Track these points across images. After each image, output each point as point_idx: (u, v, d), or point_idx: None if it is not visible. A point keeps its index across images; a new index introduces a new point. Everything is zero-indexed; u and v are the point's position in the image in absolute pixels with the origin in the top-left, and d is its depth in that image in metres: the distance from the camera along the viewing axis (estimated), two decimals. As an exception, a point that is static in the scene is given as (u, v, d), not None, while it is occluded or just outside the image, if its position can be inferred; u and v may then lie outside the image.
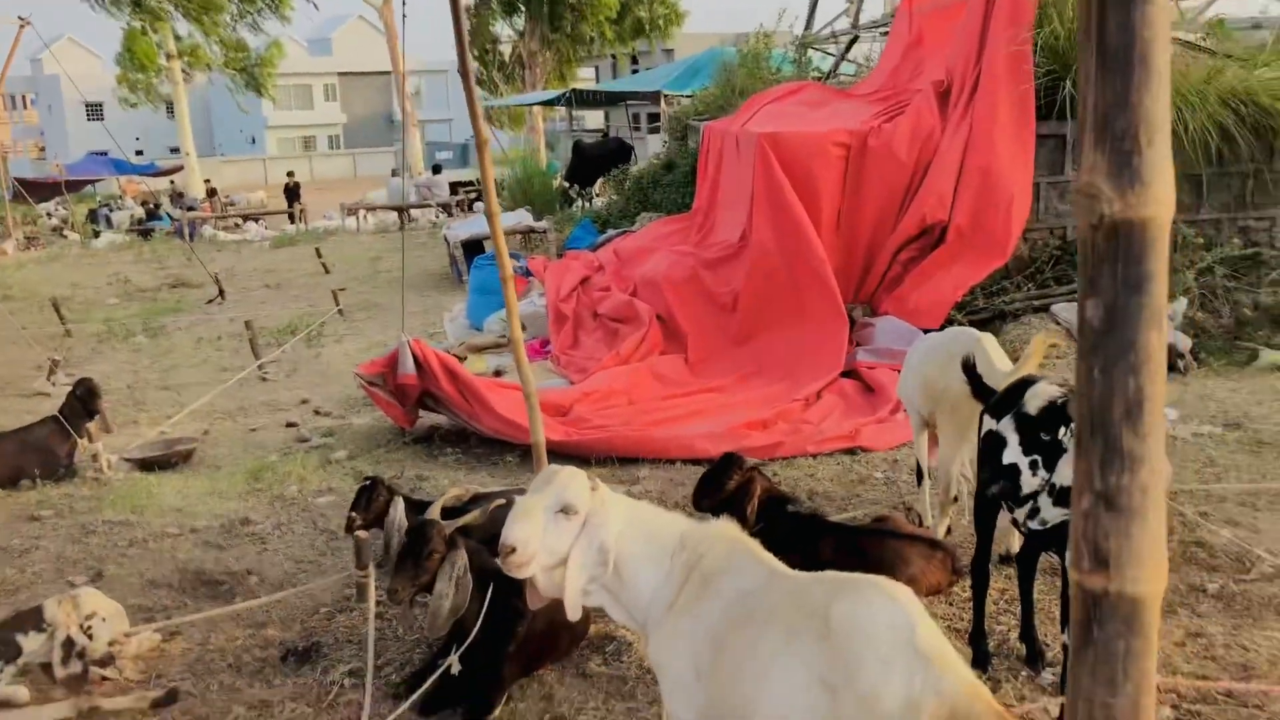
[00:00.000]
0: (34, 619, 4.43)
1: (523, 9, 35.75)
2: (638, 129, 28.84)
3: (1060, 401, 3.88)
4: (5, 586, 5.56)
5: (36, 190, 30.39)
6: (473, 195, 26.39)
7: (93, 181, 34.92)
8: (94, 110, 54.74)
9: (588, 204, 21.30)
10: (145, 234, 25.85)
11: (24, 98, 64.69)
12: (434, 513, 4.27)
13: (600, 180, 21.81)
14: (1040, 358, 4.64)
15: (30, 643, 4.38)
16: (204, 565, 5.76)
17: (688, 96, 20.22)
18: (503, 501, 4.27)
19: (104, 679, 4.44)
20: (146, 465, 7.67)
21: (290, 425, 8.70)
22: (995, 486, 4.06)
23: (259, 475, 7.24)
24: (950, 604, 4.79)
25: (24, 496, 7.06)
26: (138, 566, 5.77)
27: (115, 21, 34.65)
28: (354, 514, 5.29)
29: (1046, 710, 3.88)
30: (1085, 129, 1.39)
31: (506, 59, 38.22)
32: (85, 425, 7.53)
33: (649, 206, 15.42)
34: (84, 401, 7.54)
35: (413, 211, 25.53)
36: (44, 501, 6.95)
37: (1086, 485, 1.42)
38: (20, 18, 26.39)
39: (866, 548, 4.66)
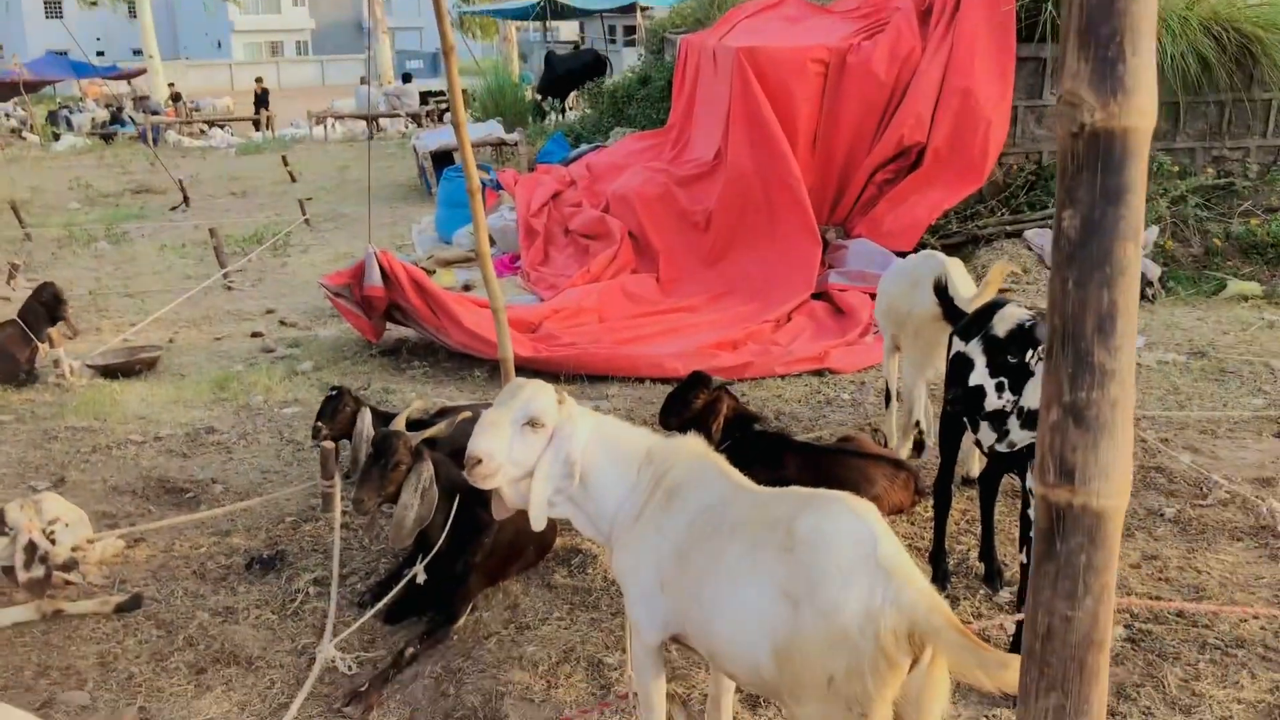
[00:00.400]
0: (-5, 523, 4.40)
1: (498, -87, 34.67)
2: (613, 41, 28.31)
3: (1028, 324, 3.89)
4: (-35, 491, 5.52)
5: (-7, 89, 29.46)
6: (443, 105, 25.84)
7: (52, 83, 33.88)
8: (53, 8, 52.94)
9: (560, 117, 20.95)
10: (107, 138, 25.25)
11: (-21, -7, 62.44)
12: (399, 424, 4.25)
13: (574, 93, 21.44)
14: (998, 285, 4.67)
15: (-9, 546, 4.36)
16: (168, 473, 5.73)
17: (666, 8, 19.81)
18: (469, 414, 4.25)
19: (67, 583, 4.43)
20: (110, 372, 7.57)
21: (256, 335, 8.60)
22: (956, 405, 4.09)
23: (224, 385, 7.18)
24: (912, 524, 4.85)
25: (-16, 401, 6.98)
26: (101, 473, 5.74)
27: (73, -86, 33.37)
28: (320, 423, 5.27)
29: (1002, 626, 3.97)
30: (1069, 34, 1.35)
31: (481, -35, 37.17)
32: (47, 330, 7.41)
33: (623, 121, 15.20)
34: (48, 306, 7.41)
35: (381, 121, 25.06)
36: (4, 406, 6.86)
37: (1055, 398, 1.41)
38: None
39: (831, 467, 4.69)
